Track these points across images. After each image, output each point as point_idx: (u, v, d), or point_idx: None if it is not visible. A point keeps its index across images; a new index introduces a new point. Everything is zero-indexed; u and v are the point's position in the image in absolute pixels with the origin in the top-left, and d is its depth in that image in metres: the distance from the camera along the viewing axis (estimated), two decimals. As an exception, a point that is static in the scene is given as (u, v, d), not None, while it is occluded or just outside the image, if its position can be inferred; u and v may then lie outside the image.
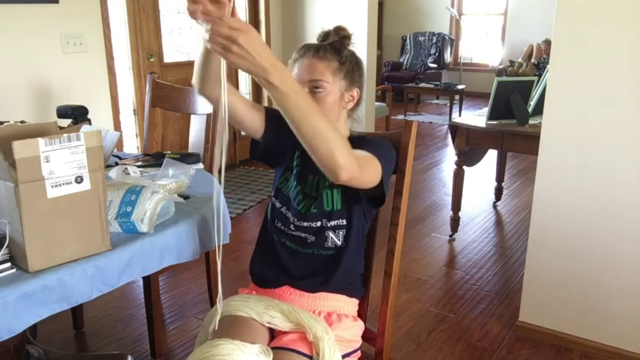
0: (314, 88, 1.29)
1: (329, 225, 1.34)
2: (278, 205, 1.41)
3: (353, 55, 1.35)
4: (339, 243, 1.35)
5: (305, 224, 1.35)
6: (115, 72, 3.60)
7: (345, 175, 1.09)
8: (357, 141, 1.35)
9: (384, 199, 1.31)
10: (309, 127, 1.04)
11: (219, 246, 1.12)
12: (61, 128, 1.63)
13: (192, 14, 0.96)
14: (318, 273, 1.36)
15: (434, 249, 3.22)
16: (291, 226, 1.37)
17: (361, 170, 1.13)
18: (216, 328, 1.23)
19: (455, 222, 3.33)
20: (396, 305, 2.52)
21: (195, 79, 1.24)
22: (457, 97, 7.27)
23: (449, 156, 5.41)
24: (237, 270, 2.91)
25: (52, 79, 3.22)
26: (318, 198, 1.35)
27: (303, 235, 1.36)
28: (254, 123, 1.34)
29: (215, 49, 0.93)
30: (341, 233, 1.35)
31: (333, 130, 1.06)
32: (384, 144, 1.33)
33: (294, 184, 1.39)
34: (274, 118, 1.33)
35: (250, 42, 0.92)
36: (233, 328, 1.26)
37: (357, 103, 1.40)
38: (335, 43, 1.33)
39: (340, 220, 1.34)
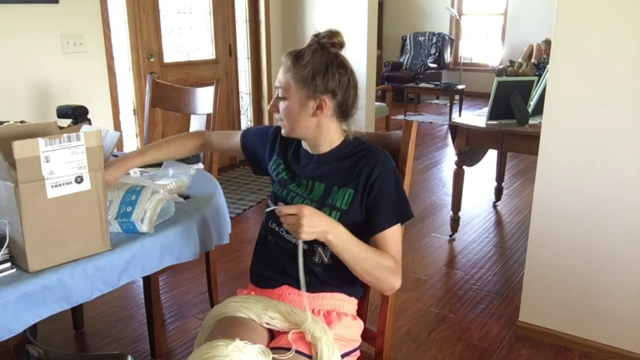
0: (279, 94, 1.33)
1: (319, 241, 1.28)
2: (272, 206, 1.41)
3: (319, 61, 1.27)
4: (326, 260, 1.33)
5: None
6: (115, 72, 3.60)
7: (390, 292, 1.35)
8: (352, 147, 1.35)
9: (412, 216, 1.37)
10: (361, 269, 1.25)
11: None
12: (61, 128, 1.63)
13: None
14: (315, 274, 1.35)
15: (434, 249, 3.22)
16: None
17: (400, 273, 1.31)
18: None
19: (455, 222, 3.33)
20: (396, 305, 2.52)
21: (169, 155, 1.62)
22: (457, 97, 7.27)
23: (449, 156, 5.41)
24: (237, 270, 2.91)
25: (52, 79, 3.22)
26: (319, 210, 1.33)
27: (294, 240, 1.34)
28: (233, 151, 1.61)
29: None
30: (330, 251, 1.30)
31: (380, 269, 1.26)
32: (391, 178, 1.30)
33: (286, 188, 1.39)
34: (248, 141, 1.56)
35: (310, 217, 1.16)
36: (232, 328, 1.26)
37: (345, 113, 1.33)
38: (303, 49, 1.30)
39: None
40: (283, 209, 1.17)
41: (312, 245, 1.33)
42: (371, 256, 1.25)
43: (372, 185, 1.29)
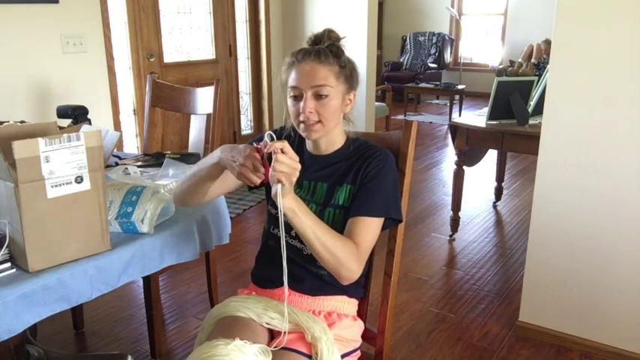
0: (318, 93, 1.26)
1: None
2: (273, 211, 1.41)
3: (349, 58, 1.33)
4: None
5: None
6: (115, 72, 3.59)
7: (345, 282, 1.26)
8: (355, 147, 1.35)
9: (401, 221, 1.36)
10: (320, 244, 1.19)
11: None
12: (61, 128, 1.63)
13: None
14: (316, 277, 1.35)
15: (434, 249, 3.22)
16: (293, 232, 1.33)
17: (361, 264, 1.25)
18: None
19: (455, 222, 3.33)
20: (396, 305, 2.52)
21: (184, 193, 1.38)
22: (457, 97, 7.27)
23: (449, 156, 5.41)
24: (237, 270, 2.91)
25: (52, 79, 3.22)
26: (319, 211, 1.33)
27: (299, 245, 1.34)
28: (238, 186, 1.43)
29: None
30: None
31: (341, 249, 1.21)
32: (387, 180, 1.30)
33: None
34: None
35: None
36: (232, 328, 1.26)
37: (352, 106, 1.38)
38: (332, 46, 1.30)
39: None
40: (277, 144, 1.10)
41: None
42: (331, 234, 1.21)
43: (367, 173, 1.30)
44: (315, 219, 1.20)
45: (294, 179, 1.13)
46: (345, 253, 1.21)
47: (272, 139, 1.12)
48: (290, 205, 1.15)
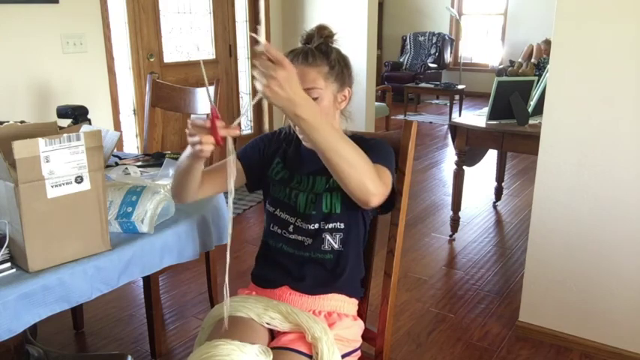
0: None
1: (326, 227, 1.33)
2: (272, 209, 1.41)
3: (339, 55, 1.32)
4: (336, 246, 1.34)
5: (303, 226, 1.35)
6: (115, 72, 3.59)
7: (376, 201, 1.15)
8: (354, 141, 1.35)
9: (394, 204, 1.34)
10: (338, 156, 1.08)
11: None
12: (61, 128, 1.63)
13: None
14: (317, 276, 1.35)
15: (434, 249, 3.22)
16: (290, 228, 1.36)
17: (382, 185, 1.17)
18: (226, 323, 1.20)
19: (455, 222, 3.33)
20: (396, 305, 2.52)
21: (175, 189, 1.34)
22: (457, 97, 7.27)
23: (449, 156, 5.41)
24: (237, 270, 2.91)
25: (52, 79, 3.22)
26: (317, 199, 1.34)
27: (300, 238, 1.35)
28: (239, 180, 1.41)
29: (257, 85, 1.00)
30: (338, 236, 1.34)
31: (361, 159, 1.11)
32: (385, 147, 1.32)
33: (288, 186, 1.38)
34: (246, 159, 1.43)
35: (287, 78, 0.98)
36: (232, 328, 1.26)
37: (349, 101, 1.38)
38: (321, 45, 1.29)
39: (338, 224, 1.34)
40: (271, 50, 0.99)
41: (320, 234, 1.33)
42: (352, 147, 1.10)
43: (366, 149, 1.22)
44: (335, 132, 1.08)
45: (274, 87, 0.98)
46: (370, 168, 1.13)
47: (210, 101, 1.14)
48: (307, 117, 1.03)
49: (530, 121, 2.93)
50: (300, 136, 1.36)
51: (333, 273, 1.35)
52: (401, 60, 8.99)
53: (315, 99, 1.26)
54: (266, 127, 5.01)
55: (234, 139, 1.13)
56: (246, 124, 4.99)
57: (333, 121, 1.34)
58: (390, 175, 1.26)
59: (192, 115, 1.08)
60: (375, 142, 1.33)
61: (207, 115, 1.09)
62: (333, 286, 1.36)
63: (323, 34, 1.31)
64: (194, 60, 4.37)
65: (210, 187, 1.37)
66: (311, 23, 4.70)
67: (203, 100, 2.30)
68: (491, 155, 4.04)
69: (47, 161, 1.16)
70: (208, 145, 1.11)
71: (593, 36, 1.94)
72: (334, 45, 1.34)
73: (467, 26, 9.20)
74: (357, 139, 1.36)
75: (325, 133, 1.06)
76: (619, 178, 2.00)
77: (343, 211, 1.33)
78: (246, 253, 3.11)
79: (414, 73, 8.48)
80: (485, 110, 3.08)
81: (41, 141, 1.14)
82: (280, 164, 1.42)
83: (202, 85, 2.66)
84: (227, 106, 4.70)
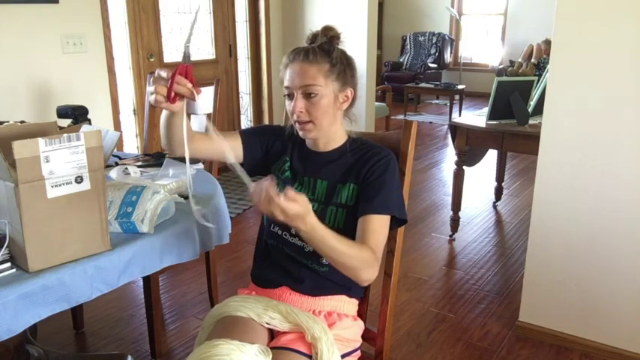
0: (307, 93, 1.27)
1: None
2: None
3: (343, 55, 1.32)
4: None
5: None
6: (115, 72, 3.59)
7: (365, 284, 1.27)
8: (356, 146, 1.36)
9: (406, 221, 1.36)
10: (334, 261, 1.19)
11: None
12: (61, 128, 1.63)
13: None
14: (316, 279, 1.35)
15: (434, 249, 3.22)
16: (292, 230, 1.34)
17: (378, 265, 1.24)
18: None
19: (455, 222, 3.33)
20: (396, 305, 2.52)
21: (162, 140, 1.32)
22: (457, 97, 7.27)
23: (449, 156, 5.41)
24: (237, 270, 2.91)
25: (52, 79, 3.22)
26: (322, 212, 1.32)
27: (300, 243, 1.34)
28: (236, 152, 1.38)
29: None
30: None
31: (356, 258, 1.19)
32: (390, 182, 1.30)
33: (292, 187, 1.38)
34: (250, 139, 1.42)
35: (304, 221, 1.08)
36: (232, 328, 1.26)
37: (352, 103, 1.37)
38: (324, 44, 1.29)
39: None
40: (290, 194, 1.04)
41: None
42: (349, 251, 1.18)
43: (372, 172, 1.30)
44: (329, 233, 1.15)
45: (281, 215, 1.04)
46: (363, 260, 1.20)
47: (185, 56, 1.15)
48: (306, 229, 1.10)
49: (530, 121, 2.93)
50: (300, 133, 1.35)
51: (332, 278, 1.35)
52: (401, 60, 8.99)
53: (314, 96, 1.27)
54: (266, 127, 5.01)
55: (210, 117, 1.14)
56: (245, 124, 4.98)
57: (334, 122, 1.34)
58: (387, 223, 1.29)
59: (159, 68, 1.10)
60: (380, 172, 1.30)
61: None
62: (332, 287, 1.36)
63: (328, 34, 1.31)
64: (194, 60, 4.37)
65: (204, 149, 1.35)
66: (311, 23, 4.70)
67: (203, 100, 2.30)
68: (491, 155, 4.04)
69: (47, 161, 1.16)
70: (159, 96, 1.13)
71: (594, 36, 1.94)
72: (339, 46, 1.33)
73: (467, 26, 9.19)
74: (364, 147, 1.35)
75: (327, 243, 1.14)
76: (619, 177, 2.00)
77: (346, 227, 1.31)
78: (246, 253, 3.11)
79: (414, 73, 8.47)
80: (485, 110, 3.08)
81: (41, 141, 1.14)
82: (287, 163, 1.41)
83: (202, 85, 2.66)
84: (227, 107, 4.70)
